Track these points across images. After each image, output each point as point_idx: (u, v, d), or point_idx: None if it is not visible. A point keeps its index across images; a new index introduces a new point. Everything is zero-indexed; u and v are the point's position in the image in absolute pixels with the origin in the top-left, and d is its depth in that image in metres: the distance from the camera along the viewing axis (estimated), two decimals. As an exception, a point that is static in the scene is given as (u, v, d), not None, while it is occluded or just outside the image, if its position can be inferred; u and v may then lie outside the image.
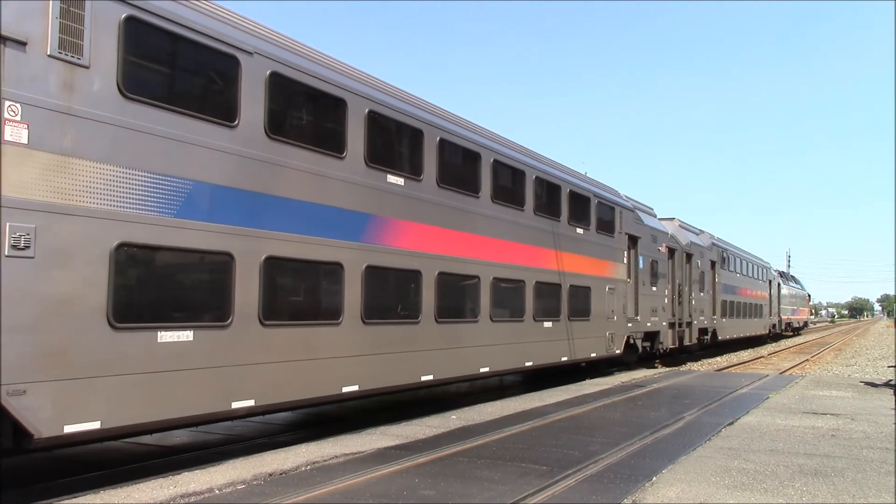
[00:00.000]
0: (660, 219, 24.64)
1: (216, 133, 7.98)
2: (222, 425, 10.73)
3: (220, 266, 7.96)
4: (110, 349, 6.75)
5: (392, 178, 10.67)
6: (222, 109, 8.12)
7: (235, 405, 8.05)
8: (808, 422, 10.82)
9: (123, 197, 6.94)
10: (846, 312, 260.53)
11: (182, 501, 6.17)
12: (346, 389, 9.62)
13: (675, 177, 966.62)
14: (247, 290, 8.23)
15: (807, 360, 29.94)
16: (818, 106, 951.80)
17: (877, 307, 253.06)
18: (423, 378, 11.22)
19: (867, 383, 17.38)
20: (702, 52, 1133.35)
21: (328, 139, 9.61)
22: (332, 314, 9.45)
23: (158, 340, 7.19)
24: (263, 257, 8.46)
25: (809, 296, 70.69)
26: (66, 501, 6.29)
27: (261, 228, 8.42)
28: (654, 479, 7.02)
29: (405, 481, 6.86)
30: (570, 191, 16.57)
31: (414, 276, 11.08)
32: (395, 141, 11.04)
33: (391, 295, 10.77)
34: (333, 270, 9.51)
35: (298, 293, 9.23)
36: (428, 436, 9.33)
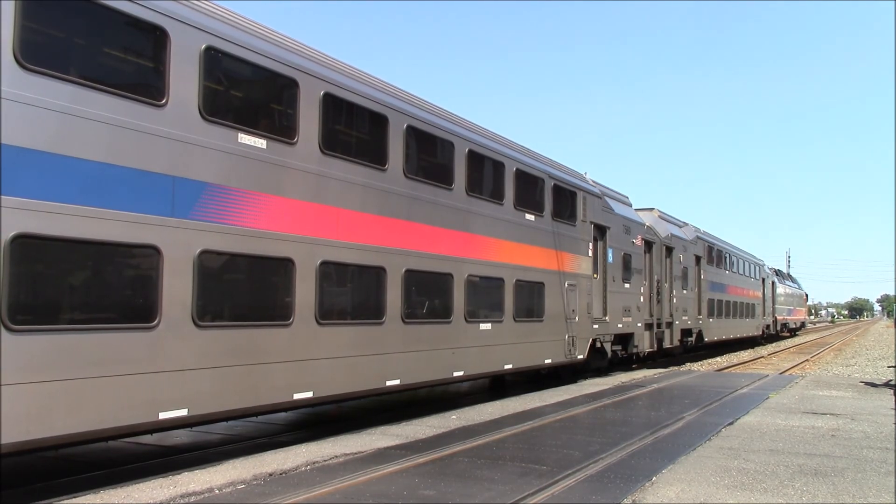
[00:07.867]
0: (637, 209, 22.51)
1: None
2: (222, 425, 10.73)
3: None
4: None
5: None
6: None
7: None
8: (808, 422, 10.82)
9: None
10: (846, 313, 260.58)
11: (182, 501, 6.17)
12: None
13: (674, 178, 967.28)
14: None
15: (807, 360, 29.94)
16: (819, 106, 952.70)
17: (877, 307, 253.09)
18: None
19: (867, 383, 17.39)
20: (702, 53, 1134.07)
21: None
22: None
23: None
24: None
25: (807, 295, 70.40)
26: (66, 501, 6.29)
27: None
28: (654, 479, 7.02)
29: (405, 481, 6.86)
30: (518, 170, 14.26)
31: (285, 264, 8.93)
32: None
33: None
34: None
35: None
36: (428, 436, 9.33)
